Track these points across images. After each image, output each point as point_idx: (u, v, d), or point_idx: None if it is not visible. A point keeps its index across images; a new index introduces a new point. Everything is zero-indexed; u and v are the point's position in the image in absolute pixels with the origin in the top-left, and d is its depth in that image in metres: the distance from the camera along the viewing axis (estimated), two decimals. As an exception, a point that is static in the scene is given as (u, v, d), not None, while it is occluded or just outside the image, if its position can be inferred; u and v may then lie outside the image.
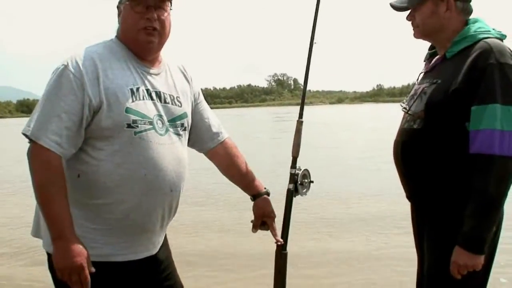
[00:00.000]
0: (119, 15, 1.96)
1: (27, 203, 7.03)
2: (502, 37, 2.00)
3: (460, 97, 1.89)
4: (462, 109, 1.89)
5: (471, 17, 2.09)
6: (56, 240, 1.72)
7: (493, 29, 2.03)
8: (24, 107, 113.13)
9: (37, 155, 1.74)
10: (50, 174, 1.73)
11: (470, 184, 1.86)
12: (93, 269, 1.74)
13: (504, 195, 1.84)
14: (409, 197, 2.20)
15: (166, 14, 1.93)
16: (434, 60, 2.16)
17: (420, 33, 2.12)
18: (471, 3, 2.08)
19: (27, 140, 1.78)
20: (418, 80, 2.20)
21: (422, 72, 2.22)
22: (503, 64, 1.85)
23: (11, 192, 10.08)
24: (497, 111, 1.81)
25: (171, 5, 1.96)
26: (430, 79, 2.07)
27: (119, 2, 1.95)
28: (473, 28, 2.01)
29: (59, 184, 1.74)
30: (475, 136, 1.85)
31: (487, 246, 1.87)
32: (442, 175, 1.98)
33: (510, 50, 1.91)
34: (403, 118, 2.18)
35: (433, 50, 2.21)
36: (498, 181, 1.82)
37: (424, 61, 2.27)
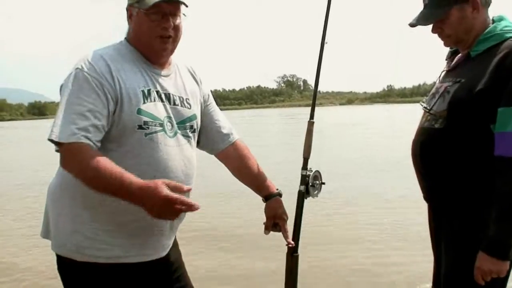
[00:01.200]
0: (129, 17, 1.94)
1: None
2: None
3: (486, 97, 1.84)
4: (487, 110, 1.84)
5: (495, 14, 2.04)
6: (140, 198, 1.61)
7: None
8: (35, 110, 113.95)
9: (72, 154, 1.70)
10: (93, 164, 1.66)
11: (493, 187, 1.82)
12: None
13: None
14: (426, 198, 2.16)
15: (179, 20, 1.92)
16: (456, 58, 2.11)
17: (453, 42, 2.06)
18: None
19: (53, 145, 1.74)
20: (440, 79, 2.15)
21: (444, 71, 2.16)
22: None
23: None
24: None
25: (186, 6, 1.93)
26: (453, 78, 2.02)
27: (130, 5, 1.92)
28: (499, 26, 1.96)
29: (106, 165, 1.66)
30: (501, 138, 1.80)
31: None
32: (463, 176, 1.93)
33: None
34: (422, 117, 2.13)
35: (455, 48, 2.16)
36: None
37: (446, 59, 2.21)
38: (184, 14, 1.94)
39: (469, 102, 1.88)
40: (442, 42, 2.09)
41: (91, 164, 1.66)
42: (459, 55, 2.10)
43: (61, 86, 1.83)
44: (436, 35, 2.08)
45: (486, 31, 1.96)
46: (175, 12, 1.90)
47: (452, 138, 1.94)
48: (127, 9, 1.94)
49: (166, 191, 1.56)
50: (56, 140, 1.70)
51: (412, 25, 2.07)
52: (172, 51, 1.97)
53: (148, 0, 1.84)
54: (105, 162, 1.67)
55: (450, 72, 2.10)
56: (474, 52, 1.99)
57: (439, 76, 2.17)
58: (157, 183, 1.58)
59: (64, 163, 1.74)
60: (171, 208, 1.57)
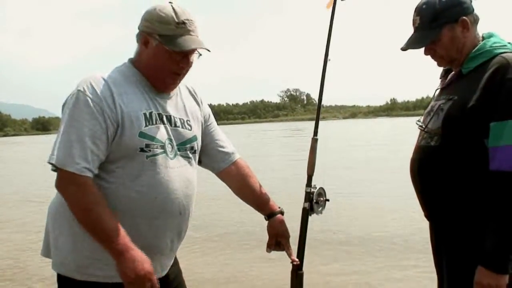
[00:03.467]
0: (143, 43, 1.90)
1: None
2: None
3: (478, 113, 1.85)
4: (480, 126, 1.85)
5: (484, 31, 2.05)
6: (122, 254, 1.71)
7: (509, 43, 2.00)
8: (39, 125, 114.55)
9: (70, 182, 1.73)
10: (91, 196, 1.72)
11: (490, 201, 1.82)
12: None
13: None
14: (427, 216, 2.15)
15: (193, 57, 1.94)
16: (450, 76, 2.12)
17: (446, 62, 2.07)
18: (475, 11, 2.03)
19: (51, 167, 1.76)
20: (435, 97, 2.16)
21: (438, 89, 2.18)
22: None
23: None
24: None
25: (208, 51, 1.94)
26: (446, 95, 2.04)
27: (147, 33, 1.87)
28: (488, 43, 1.97)
29: (103, 203, 1.73)
30: (494, 152, 1.81)
31: (511, 265, 1.81)
32: (461, 193, 1.93)
33: None
34: (419, 136, 2.14)
35: (448, 67, 2.17)
36: None
37: (440, 78, 2.23)
38: (200, 54, 1.95)
39: (462, 119, 1.89)
40: (435, 63, 2.11)
41: (88, 197, 1.72)
42: (452, 73, 2.12)
43: (63, 105, 1.84)
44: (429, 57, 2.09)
45: (476, 48, 1.98)
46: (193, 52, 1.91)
47: (448, 155, 1.94)
48: (142, 34, 1.90)
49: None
50: (56, 165, 1.73)
51: (403, 49, 2.08)
52: (179, 84, 2.00)
53: (179, 45, 1.83)
54: (103, 202, 1.74)
55: (444, 90, 2.11)
56: (465, 69, 2.00)
57: (434, 94, 2.19)
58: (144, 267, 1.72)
59: (60, 187, 1.77)
60: (148, 283, 1.72)
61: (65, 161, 1.72)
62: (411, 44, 2.06)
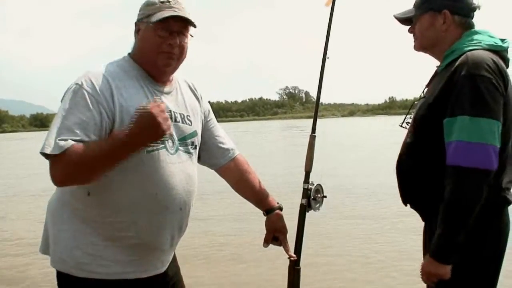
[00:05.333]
0: (136, 32, 1.94)
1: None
2: (498, 48, 1.96)
3: (437, 110, 1.91)
4: (439, 122, 1.90)
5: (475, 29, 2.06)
6: (131, 138, 1.68)
7: (502, 39, 2.00)
8: (37, 122, 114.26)
9: (59, 162, 1.67)
10: (74, 156, 1.65)
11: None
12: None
13: (469, 207, 1.81)
14: (403, 202, 2.19)
15: (186, 40, 1.94)
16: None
17: (419, 45, 2.15)
18: (474, 20, 2.06)
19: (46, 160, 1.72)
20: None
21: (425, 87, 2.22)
22: (475, 76, 1.82)
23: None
24: (465, 123, 1.81)
25: (194, 27, 1.95)
26: (424, 94, 2.11)
27: (139, 20, 1.92)
28: (464, 40, 2.00)
29: (83, 148, 1.67)
30: (447, 148, 1.87)
31: (454, 257, 1.85)
32: (431, 188, 1.98)
33: (493, 61, 1.87)
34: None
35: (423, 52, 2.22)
36: (462, 192, 1.81)
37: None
38: (191, 35, 1.96)
39: (426, 116, 1.97)
40: (433, 64, 2.16)
41: (75, 158, 1.65)
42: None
43: (61, 99, 1.83)
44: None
45: (452, 46, 2.02)
46: (182, 32, 1.91)
47: (418, 150, 2.03)
48: (136, 24, 1.95)
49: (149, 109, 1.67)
50: (45, 152, 1.67)
51: (394, 16, 2.21)
52: (174, 69, 1.98)
53: (158, 15, 1.86)
54: (83, 147, 1.67)
55: (426, 88, 2.17)
56: (440, 67, 2.06)
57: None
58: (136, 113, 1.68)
59: (53, 175, 1.70)
60: (161, 116, 1.67)
61: (53, 147, 1.66)
62: (400, 13, 2.20)
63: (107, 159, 1.71)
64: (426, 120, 1.98)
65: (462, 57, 1.91)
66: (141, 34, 1.92)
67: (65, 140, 1.67)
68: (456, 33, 2.04)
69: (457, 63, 1.90)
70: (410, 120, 2.16)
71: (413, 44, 2.17)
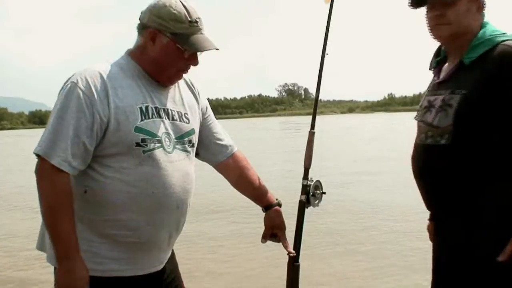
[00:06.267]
0: (150, 38, 1.87)
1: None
2: None
3: (488, 107, 1.80)
4: (494, 121, 1.79)
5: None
6: (61, 260, 1.74)
7: (503, 33, 1.93)
8: (36, 119, 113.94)
9: (46, 174, 1.73)
10: (58, 195, 1.73)
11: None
12: None
13: None
14: (432, 219, 2.09)
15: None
16: (447, 68, 2.02)
17: (449, 31, 1.92)
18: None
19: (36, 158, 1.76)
20: (430, 90, 2.06)
21: (435, 82, 2.06)
22: None
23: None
24: None
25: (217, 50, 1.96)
26: (450, 88, 1.92)
27: (158, 30, 1.85)
28: (487, 31, 1.90)
29: (67, 204, 1.74)
30: None
31: None
32: (475, 196, 1.84)
33: None
34: (421, 133, 2.02)
35: (439, 58, 2.08)
36: None
37: (430, 69, 2.13)
38: None
39: (476, 115, 1.82)
40: (432, 34, 1.98)
41: (55, 196, 1.73)
42: (446, 64, 2.03)
43: (58, 95, 1.83)
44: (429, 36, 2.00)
45: (477, 36, 1.90)
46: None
47: (461, 153, 1.85)
48: (150, 30, 1.86)
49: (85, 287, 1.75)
50: (41, 156, 1.73)
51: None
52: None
53: (193, 45, 1.85)
54: (68, 203, 1.74)
55: (444, 83, 1.99)
56: (468, 59, 1.90)
57: (428, 88, 2.10)
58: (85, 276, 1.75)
59: (38, 175, 1.76)
60: None
61: (48, 152, 1.71)
62: None
63: (50, 235, 1.76)
64: (474, 118, 1.82)
65: (503, 48, 1.81)
66: (160, 46, 1.87)
67: (63, 162, 1.72)
68: (479, 23, 1.94)
69: (501, 54, 1.80)
70: (422, 119, 2.01)
71: (433, 28, 1.96)
